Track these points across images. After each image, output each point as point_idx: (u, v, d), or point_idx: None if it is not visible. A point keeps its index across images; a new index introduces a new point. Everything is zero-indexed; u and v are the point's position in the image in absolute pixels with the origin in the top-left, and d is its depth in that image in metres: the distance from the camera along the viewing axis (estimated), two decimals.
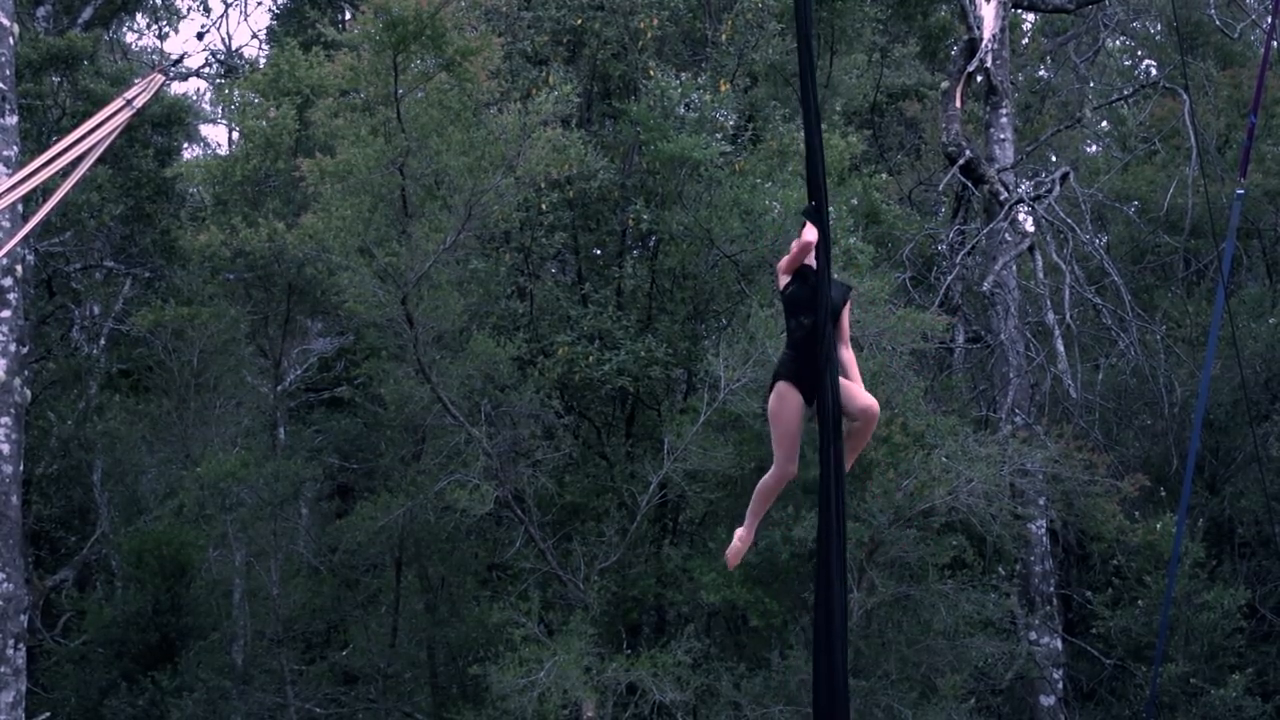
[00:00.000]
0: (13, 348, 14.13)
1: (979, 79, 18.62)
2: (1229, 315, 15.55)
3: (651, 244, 16.42)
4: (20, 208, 14.05)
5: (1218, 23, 22.02)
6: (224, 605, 17.86)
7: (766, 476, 6.87)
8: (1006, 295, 17.78)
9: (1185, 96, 19.92)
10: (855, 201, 16.69)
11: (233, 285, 16.97)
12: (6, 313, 14.18)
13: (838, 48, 18.35)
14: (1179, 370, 19.08)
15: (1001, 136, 18.58)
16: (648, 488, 14.84)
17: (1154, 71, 26.43)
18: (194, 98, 28.86)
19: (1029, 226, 18.05)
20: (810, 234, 6.77)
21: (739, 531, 7.18)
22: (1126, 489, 15.75)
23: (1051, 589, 17.49)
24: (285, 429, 18.49)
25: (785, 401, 6.73)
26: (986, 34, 18.26)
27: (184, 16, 25.06)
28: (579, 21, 16.35)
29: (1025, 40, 25.16)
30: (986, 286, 17.53)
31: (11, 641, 13.78)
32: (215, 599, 17.99)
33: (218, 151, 27.83)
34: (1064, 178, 18.40)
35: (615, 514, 15.18)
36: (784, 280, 6.98)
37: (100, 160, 11.24)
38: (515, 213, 14.91)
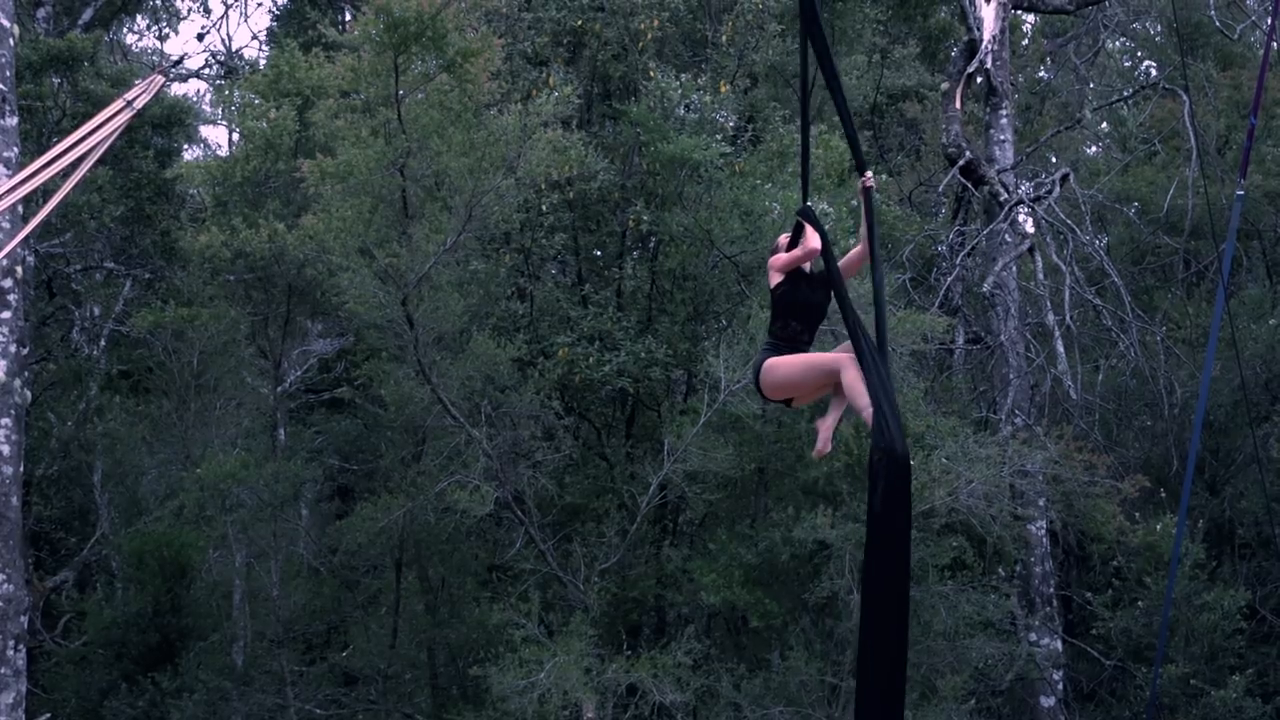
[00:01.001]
0: (13, 349, 14.11)
1: (979, 80, 18.60)
2: (1229, 316, 15.54)
3: (651, 245, 16.43)
4: (20, 209, 14.03)
5: (1218, 24, 22.00)
6: (224, 606, 17.85)
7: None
8: (1006, 296, 17.76)
9: (1185, 97, 19.90)
10: (855, 202, 16.68)
11: (233, 286, 16.94)
12: (7, 314, 14.16)
13: (838, 49, 18.34)
14: (1179, 371, 19.06)
15: (1001, 138, 18.57)
16: (648, 489, 14.83)
17: (1154, 72, 26.42)
18: (194, 99, 28.87)
19: (1029, 228, 18.02)
20: (815, 241, 6.76)
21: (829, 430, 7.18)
22: (1127, 490, 15.76)
23: (1051, 590, 17.47)
24: (285, 430, 18.47)
25: (778, 363, 6.86)
26: (986, 35, 18.26)
27: (184, 17, 25.07)
28: (579, 23, 16.37)
29: (1025, 41, 25.16)
30: (986, 288, 17.51)
31: (12, 643, 13.76)
32: (215, 600, 17.99)
33: (218, 153, 27.88)
34: (1064, 179, 18.37)
35: (615, 515, 15.18)
36: (776, 278, 6.97)
37: (100, 161, 11.23)
38: (515, 214, 14.91)
